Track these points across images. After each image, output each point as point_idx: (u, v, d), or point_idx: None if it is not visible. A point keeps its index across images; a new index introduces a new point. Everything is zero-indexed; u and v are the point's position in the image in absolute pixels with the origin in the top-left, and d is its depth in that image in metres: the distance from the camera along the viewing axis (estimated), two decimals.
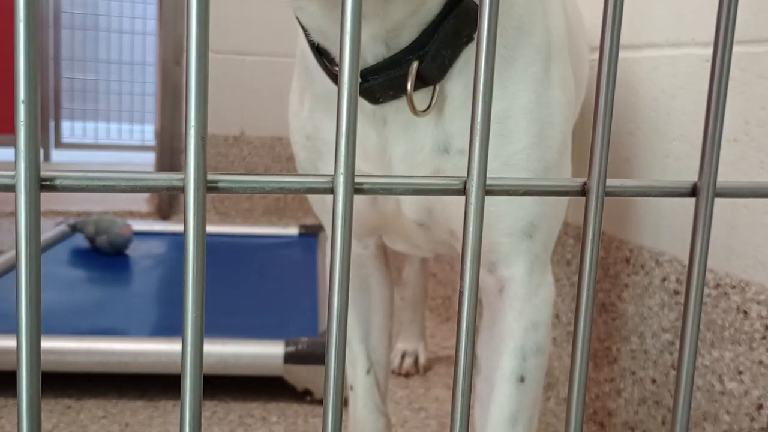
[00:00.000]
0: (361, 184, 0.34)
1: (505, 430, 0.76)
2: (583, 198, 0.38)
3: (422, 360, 1.53)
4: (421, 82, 0.65)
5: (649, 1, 1.11)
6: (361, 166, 0.72)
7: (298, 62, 0.78)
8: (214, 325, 1.25)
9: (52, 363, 1.28)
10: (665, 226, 1.08)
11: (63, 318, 1.47)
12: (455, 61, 0.67)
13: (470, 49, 0.67)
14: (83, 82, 4.81)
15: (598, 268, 0.37)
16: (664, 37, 1.08)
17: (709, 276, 0.96)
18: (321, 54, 0.68)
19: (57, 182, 0.31)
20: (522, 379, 0.77)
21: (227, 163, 2.69)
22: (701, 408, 0.98)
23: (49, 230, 2.06)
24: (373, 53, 0.64)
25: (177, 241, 2.20)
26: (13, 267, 1.76)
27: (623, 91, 1.15)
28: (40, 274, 0.31)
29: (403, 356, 1.53)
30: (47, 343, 1.17)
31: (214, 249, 2.03)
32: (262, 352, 1.33)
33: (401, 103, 0.67)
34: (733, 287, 0.94)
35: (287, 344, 1.33)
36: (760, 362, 0.89)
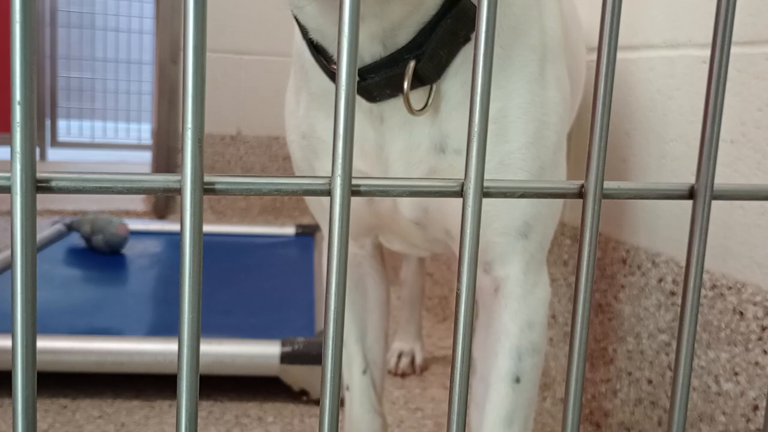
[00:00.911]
0: (358, 186, 0.34)
1: (501, 430, 0.76)
2: (580, 199, 0.38)
3: (419, 360, 1.53)
4: (418, 81, 0.65)
5: (646, 1, 1.11)
6: (358, 164, 0.72)
7: (294, 61, 0.78)
8: (210, 325, 1.25)
9: (48, 363, 1.27)
10: (662, 227, 1.09)
11: (59, 317, 1.47)
12: (452, 61, 0.67)
13: (467, 48, 0.67)
14: (80, 80, 4.80)
15: (595, 269, 0.37)
16: (661, 38, 1.08)
17: (705, 277, 0.96)
18: (318, 52, 0.68)
19: (53, 184, 0.31)
20: (518, 380, 0.77)
21: (224, 162, 2.69)
22: (697, 409, 0.98)
23: (44, 229, 2.06)
24: (370, 52, 0.64)
25: (173, 240, 2.20)
26: (8, 266, 1.76)
27: (620, 92, 1.15)
28: (36, 275, 0.31)
29: (400, 356, 1.53)
30: (43, 343, 1.17)
31: (211, 248, 2.03)
32: (259, 352, 1.33)
33: (398, 102, 0.67)
34: (730, 288, 0.94)
35: (284, 344, 1.33)
36: (756, 363, 0.89)
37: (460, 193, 0.35)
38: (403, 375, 1.50)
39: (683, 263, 1.04)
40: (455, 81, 0.68)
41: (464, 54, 0.67)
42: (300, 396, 1.35)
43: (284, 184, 0.34)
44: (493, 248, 0.74)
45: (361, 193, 0.34)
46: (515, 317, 0.76)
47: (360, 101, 0.68)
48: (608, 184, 0.37)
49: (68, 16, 4.65)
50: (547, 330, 0.84)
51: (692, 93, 1.03)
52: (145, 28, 4.69)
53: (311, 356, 1.32)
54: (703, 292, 0.97)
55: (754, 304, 0.90)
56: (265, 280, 1.85)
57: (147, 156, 2.99)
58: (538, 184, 0.38)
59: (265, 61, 2.64)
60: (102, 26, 4.85)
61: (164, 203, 2.74)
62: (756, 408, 0.89)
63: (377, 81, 0.65)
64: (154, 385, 1.36)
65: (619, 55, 1.26)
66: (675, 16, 1.06)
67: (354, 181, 0.33)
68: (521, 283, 0.76)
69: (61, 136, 4.52)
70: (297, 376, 1.33)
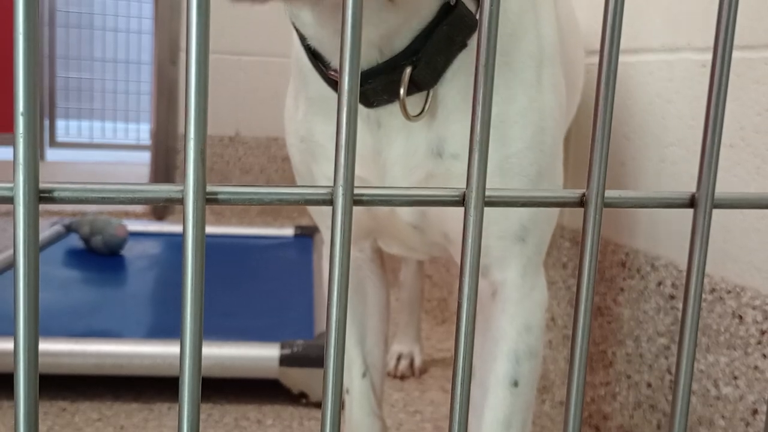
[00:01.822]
0: (361, 195, 0.34)
1: None
2: (581, 207, 0.38)
3: (418, 362, 1.53)
4: (415, 87, 0.66)
5: (645, 5, 1.11)
6: (356, 168, 0.72)
7: (292, 65, 0.78)
8: (209, 328, 1.25)
9: (47, 365, 1.27)
10: (661, 231, 1.09)
11: (58, 319, 1.47)
12: (448, 67, 0.67)
13: (464, 54, 0.67)
14: (78, 80, 4.79)
15: (596, 277, 0.38)
16: (660, 42, 1.09)
17: (704, 281, 0.96)
18: (316, 58, 0.68)
19: (56, 194, 0.31)
20: (516, 383, 0.77)
21: (222, 163, 2.69)
22: (696, 413, 0.98)
23: (44, 230, 2.06)
24: (367, 59, 0.65)
25: (172, 241, 2.20)
26: (8, 267, 1.76)
27: (619, 96, 1.16)
28: (39, 282, 0.31)
29: (399, 359, 1.53)
30: (42, 345, 1.16)
31: (209, 250, 2.02)
32: (258, 355, 1.33)
33: (395, 107, 0.67)
34: (729, 292, 0.94)
35: (283, 347, 1.33)
36: (756, 367, 0.89)
37: (462, 202, 0.35)
38: (402, 377, 1.50)
39: (683, 267, 1.04)
40: (452, 86, 0.68)
41: (461, 60, 0.67)
42: (299, 399, 1.35)
43: (286, 193, 0.34)
44: (490, 252, 0.75)
45: (363, 203, 0.34)
46: (513, 321, 0.76)
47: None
48: (609, 193, 0.37)
49: (67, 16, 4.65)
50: (547, 333, 0.84)
51: (691, 97, 1.03)
52: (143, 28, 4.68)
53: (310, 359, 1.32)
54: (702, 296, 0.97)
55: (753, 308, 0.90)
56: (263, 282, 1.85)
57: (146, 156, 2.98)
58: (539, 193, 0.38)
59: (264, 62, 2.64)
60: (101, 26, 4.85)
61: (163, 205, 2.74)
62: (755, 412, 0.89)
63: (375, 87, 0.65)
64: (154, 387, 1.36)
65: (619, 58, 1.26)
66: (674, 20, 1.06)
67: (356, 191, 0.33)
68: (519, 286, 0.76)
69: (60, 137, 4.52)
70: (296, 378, 1.33)
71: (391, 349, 1.54)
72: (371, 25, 0.62)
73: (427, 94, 0.67)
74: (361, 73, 0.65)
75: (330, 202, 0.33)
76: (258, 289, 1.79)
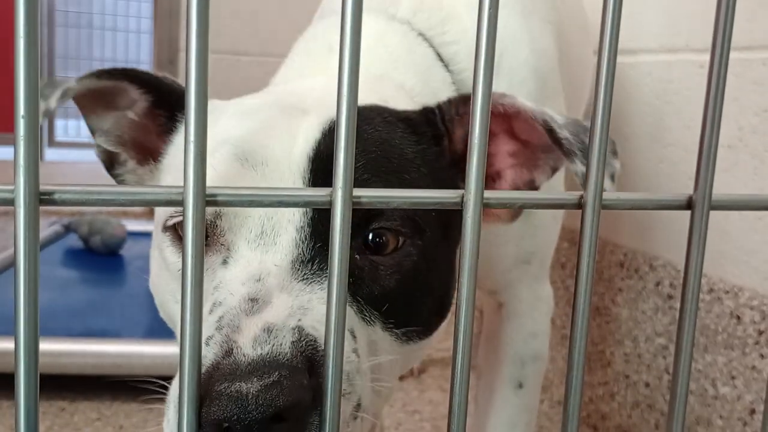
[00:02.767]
0: (360, 197, 0.34)
1: None
2: (579, 210, 0.38)
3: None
4: None
5: (644, 6, 1.11)
6: None
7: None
8: None
9: (46, 365, 1.27)
10: (659, 231, 1.09)
11: (57, 319, 1.47)
12: None
13: None
14: None
15: (594, 278, 0.38)
16: (659, 43, 1.09)
17: (702, 281, 0.96)
18: None
19: (56, 196, 0.31)
20: (520, 385, 0.78)
21: None
22: (694, 412, 0.98)
23: (43, 230, 2.06)
24: None
25: None
26: (8, 267, 1.76)
27: (618, 96, 1.16)
28: (38, 282, 0.31)
29: None
30: (41, 345, 1.17)
31: None
32: None
33: None
34: (727, 292, 0.94)
35: None
36: (753, 367, 0.90)
37: (461, 204, 0.35)
38: (401, 377, 1.50)
39: (681, 267, 1.04)
40: None
41: None
42: None
43: (286, 195, 0.34)
44: (497, 283, 0.77)
45: (362, 205, 0.35)
46: (519, 329, 0.79)
47: None
48: (607, 195, 0.37)
49: (66, 15, 4.64)
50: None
51: (689, 98, 1.03)
52: (143, 27, 4.68)
53: None
54: (700, 296, 0.97)
55: (751, 308, 0.90)
56: None
57: None
58: (537, 195, 0.38)
59: (264, 62, 2.64)
60: (100, 26, 4.84)
61: None
62: (753, 412, 0.89)
63: None
64: (153, 387, 1.36)
65: (618, 59, 1.26)
66: (673, 22, 1.06)
67: (355, 192, 0.34)
68: (524, 300, 0.79)
69: (59, 136, 4.51)
70: None
71: None
72: None
73: None
74: None
75: (329, 204, 0.33)
76: None
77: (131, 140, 0.67)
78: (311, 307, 0.46)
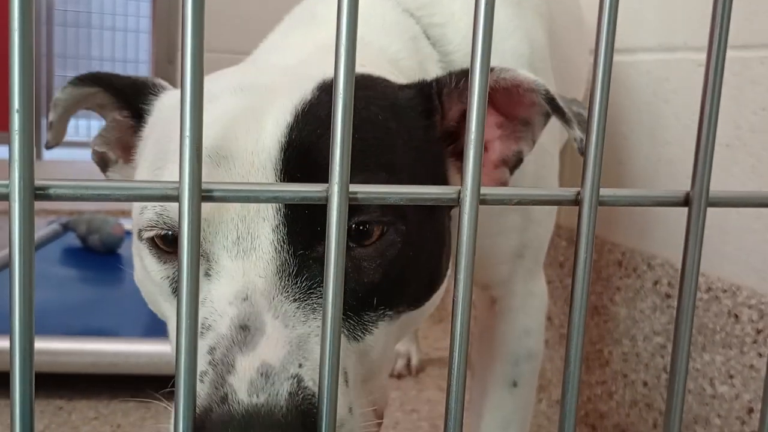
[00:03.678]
0: (356, 193, 0.34)
1: None
2: (576, 206, 0.38)
3: (414, 361, 1.53)
4: None
5: (642, 5, 1.11)
6: None
7: None
8: None
9: (44, 363, 1.27)
10: (657, 230, 1.09)
11: (55, 317, 1.46)
12: None
13: None
14: None
15: (591, 275, 0.38)
16: (657, 42, 1.09)
17: (700, 280, 0.96)
18: None
19: (51, 191, 0.31)
20: (515, 384, 0.78)
21: None
22: (692, 411, 0.98)
23: (41, 229, 2.06)
24: None
25: None
26: (4, 265, 1.75)
27: (616, 95, 1.16)
28: (34, 278, 0.31)
29: (396, 358, 1.53)
30: (38, 344, 1.16)
31: None
32: None
33: None
34: (725, 291, 0.94)
35: None
36: (751, 366, 0.90)
37: (457, 200, 0.35)
38: (399, 376, 1.50)
39: (679, 266, 1.04)
40: None
41: None
42: None
43: (282, 191, 0.34)
44: (491, 276, 0.77)
45: (359, 201, 0.34)
46: (512, 326, 0.78)
47: None
48: (604, 191, 0.37)
49: (64, 14, 4.64)
50: (543, 332, 0.85)
51: (688, 96, 1.03)
52: (141, 27, 4.68)
53: None
54: (698, 295, 0.97)
55: (749, 307, 0.90)
56: None
57: None
58: (533, 191, 0.38)
59: None
60: (98, 25, 4.84)
61: None
62: (751, 411, 0.89)
63: None
64: (150, 385, 1.36)
65: (615, 58, 1.26)
66: (671, 20, 1.06)
67: (351, 188, 0.34)
68: (517, 294, 0.78)
69: None
70: None
71: None
72: None
73: None
74: None
75: (326, 200, 0.33)
76: None
77: (116, 140, 0.67)
78: (309, 349, 0.44)
